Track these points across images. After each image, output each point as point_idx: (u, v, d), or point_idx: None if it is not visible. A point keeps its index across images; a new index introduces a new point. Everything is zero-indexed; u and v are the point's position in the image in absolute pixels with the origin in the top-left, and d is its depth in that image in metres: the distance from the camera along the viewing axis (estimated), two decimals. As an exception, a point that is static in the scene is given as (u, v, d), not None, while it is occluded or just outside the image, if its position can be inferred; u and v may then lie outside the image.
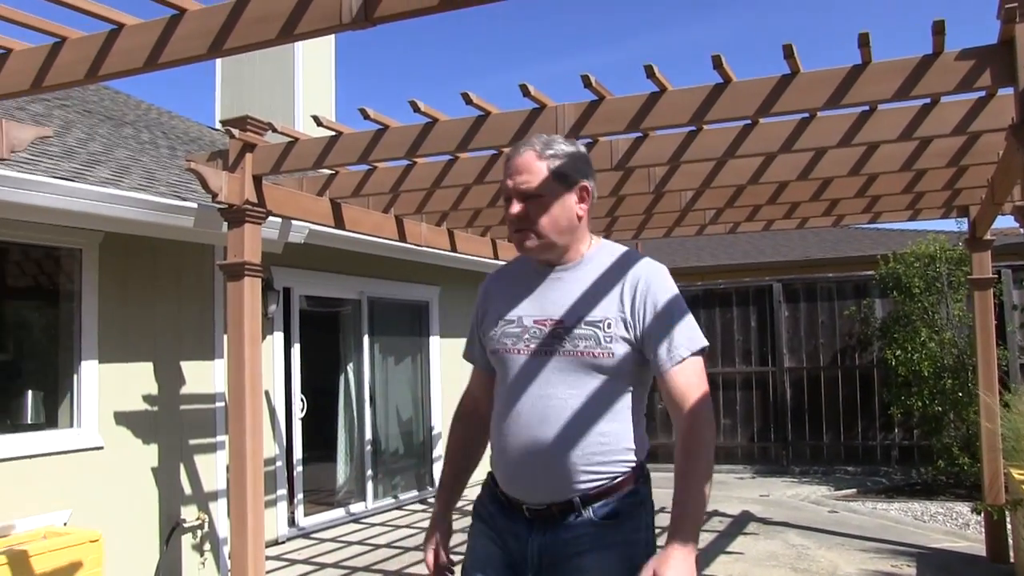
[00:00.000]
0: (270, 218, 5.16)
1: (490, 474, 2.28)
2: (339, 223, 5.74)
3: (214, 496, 6.23)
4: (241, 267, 4.70)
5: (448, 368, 9.60)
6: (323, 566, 6.38)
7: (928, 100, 3.89)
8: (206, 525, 6.12)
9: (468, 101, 4.21)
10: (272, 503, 6.91)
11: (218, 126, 10.53)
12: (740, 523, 7.68)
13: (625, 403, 2.13)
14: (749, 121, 4.22)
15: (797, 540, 6.93)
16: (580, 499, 2.09)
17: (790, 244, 15.57)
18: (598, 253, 2.22)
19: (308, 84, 10.72)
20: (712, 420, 2.06)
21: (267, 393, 6.88)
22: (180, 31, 3.08)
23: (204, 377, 6.24)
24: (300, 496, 7.46)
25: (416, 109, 4.35)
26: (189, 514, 6.01)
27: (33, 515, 4.95)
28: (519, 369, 2.16)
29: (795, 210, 6.61)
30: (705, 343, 2.11)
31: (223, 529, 6.13)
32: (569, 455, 2.08)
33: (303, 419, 7.53)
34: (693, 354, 2.08)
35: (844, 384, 10.75)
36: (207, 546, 6.14)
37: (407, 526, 7.79)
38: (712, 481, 2.04)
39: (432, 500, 9.08)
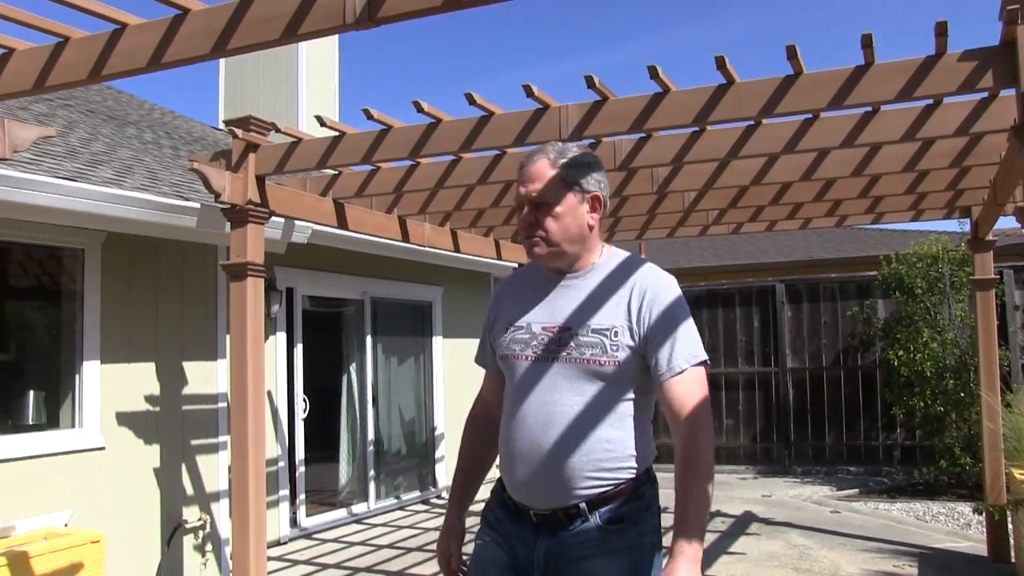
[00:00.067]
0: (273, 218, 5.16)
1: (499, 479, 2.29)
2: (342, 223, 5.74)
3: (216, 496, 6.23)
4: (244, 267, 4.71)
5: (451, 368, 9.60)
6: (325, 567, 6.38)
7: (931, 101, 3.89)
8: (208, 526, 6.12)
9: (472, 102, 4.22)
10: (274, 503, 6.91)
11: (221, 126, 10.54)
12: (742, 523, 7.68)
13: (630, 409, 2.14)
14: (752, 122, 4.22)
15: (799, 540, 6.93)
16: (586, 504, 2.10)
17: (793, 245, 15.56)
18: (609, 262, 2.24)
19: (311, 84, 10.72)
20: (711, 426, 2.08)
21: (269, 393, 6.89)
22: (183, 31, 3.08)
23: (206, 377, 6.25)
24: (302, 496, 7.46)
25: (420, 109, 4.36)
26: (191, 514, 6.02)
27: (34, 516, 4.96)
28: (526, 375, 2.18)
29: (798, 211, 6.61)
30: (705, 357, 2.13)
31: (225, 530, 6.13)
32: (574, 461, 2.09)
33: (305, 419, 7.53)
34: (694, 366, 2.09)
35: (846, 384, 10.75)
36: (209, 547, 6.15)
37: (409, 527, 7.79)
38: (714, 484, 2.04)
39: (435, 500, 9.10)
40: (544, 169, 2.16)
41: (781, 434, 11.00)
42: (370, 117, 4.47)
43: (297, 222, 6.05)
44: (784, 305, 11.11)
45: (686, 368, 2.08)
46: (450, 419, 9.51)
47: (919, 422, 9.70)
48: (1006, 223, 6.54)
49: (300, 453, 7.46)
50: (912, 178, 5.49)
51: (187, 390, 6.08)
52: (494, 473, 2.36)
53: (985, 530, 6.42)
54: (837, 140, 4.16)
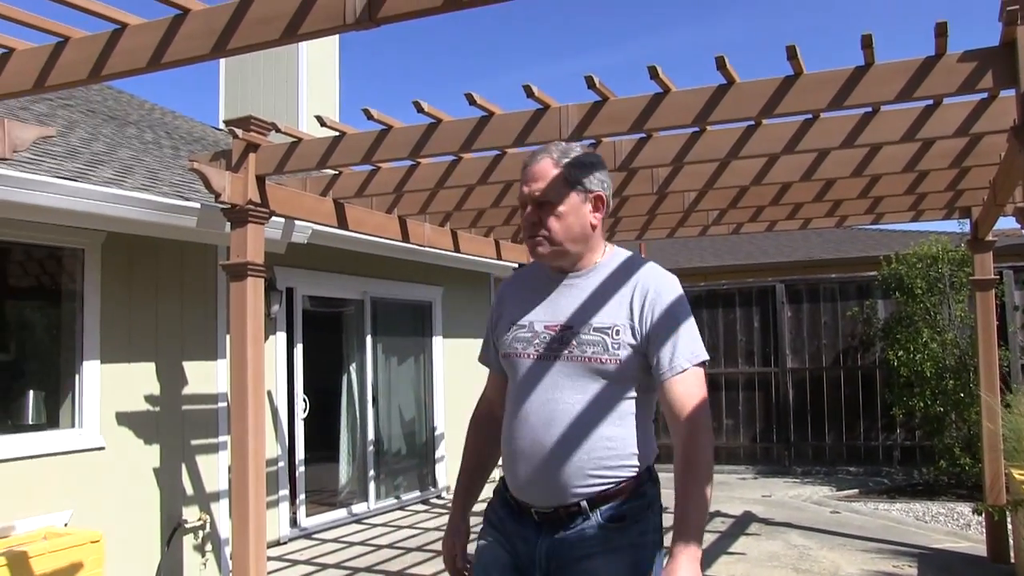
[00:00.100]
0: (273, 218, 5.17)
1: (502, 478, 2.30)
2: (342, 223, 5.74)
3: (216, 496, 6.23)
4: (244, 267, 4.71)
5: (451, 369, 9.60)
6: (325, 567, 6.38)
7: (930, 102, 3.89)
8: (208, 526, 6.12)
9: (472, 102, 4.22)
10: (274, 503, 6.92)
11: (221, 126, 10.54)
12: (742, 523, 7.68)
13: (632, 408, 2.15)
14: (752, 122, 4.22)
15: (799, 540, 6.93)
16: (587, 503, 2.10)
17: (793, 245, 15.56)
18: (611, 261, 2.25)
19: (312, 84, 10.72)
20: (710, 427, 2.09)
21: (269, 393, 6.89)
22: (183, 31, 3.08)
23: (206, 377, 6.25)
24: (302, 496, 7.46)
25: (420, 110, 4.36)
26: (191, 514, 6.02)
27: (34, 516, 4.96)
28: (528, 373, 2.19)
29: (798, 211, 6.61)
30: (706, 357, 2.14)
31: (225, 530, 6.13)
32: (575, 459, 2.10)
33: (305, 419, 7.53)
34: (695, 366, 2.11)
35: (846, 385, 10.75)
36: (208, 547, 6.15)
37: (409, 527, 7.79)
38: (713, 484, 2.06)
39: (434, 500, 9.10)
40: (547, 168, 2.18)
41: (781, 434, 11.00)
42: (370, 117, 4.47)
43: (297, 222, 6.05)
44: (784, 305, 11.12)
45: (687, 368, 2.09)
46: (450, 419, 9.51)
47: (919, 422, 9.70)
48: (1006, 223, 6.54)
49: (300, 453, 7.46)
50: (912, 178, 5.50)
51: (187, 390, 6.08)
52: (499, 472, 2.36)
53: (984, 530, 6.42)
54: (837, 140, 4.17)
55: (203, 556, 6.10)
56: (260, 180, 4.83)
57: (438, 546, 6.77)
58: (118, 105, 9.31)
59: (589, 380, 2.12)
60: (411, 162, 5.08)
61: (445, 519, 8.04)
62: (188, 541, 6.00)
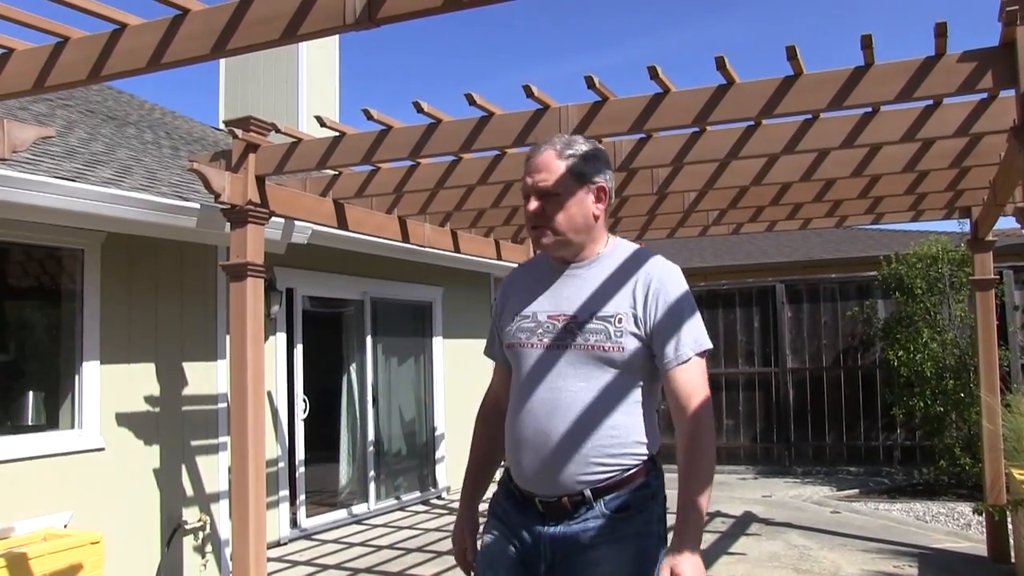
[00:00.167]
0: (273, 219, 5.16)
1: (506, 470, 2.31)
2: (342, 224, 5.74)
3: (216, 497, 6.23)
4: (244, 268, 4.71)
5: (451, 369, 9.60)
6: (325, 567, 6.38)
7: (930, 102, 3.90)
8: (208, 526, 6.12)
9: (472, 102, 4.22)
10: (274, 504, 6.91)
11: (221, 126, 10.54)
12: (742, 524, 7.67)
13: (636, 397, 2.16)
14: (752, 122, 4.22)
15: (799, 541, 6.93)
16: (591, 492, 2.11)
17: (793, 245, 15.56)
18: (614, 251, 2.27)
19: (312, 85, 10.72)
20: (713, 426, 2.12)
21: (269, 394, 6.89)
22: (183, 31, 3.08)
23: (206, 378, 6.25)
24: (302, 497, 7.46)
25: (420, 110, 4.36)
26: (191, 515, 6.02)
27: (33, 517, 4.95)
28: (532, 363, 2.21)
29: (798, 211, 6.61)
30: (710, 345, 2.17)
31: (225, 531, 6.13)
32: (579, 447, 2.11)
33: (305, 420, 7.53)
34: (698, 354, 2.13)
35: (847, 385, 10.76)
36: (209, 548, 6.15)
37: (410, 527, 7.79)
38: (712, 483, 2.09)
39: (435, 501, 9.10)
40: (551, 160, 2.20)
41: (781, 434, 11.00)
42: (370, 117, 4.47)
43: (297, 222, 6.05)
44: (784, 305, 11.12)
45: (691, 356, 2.12)
46: (450, 419, 9.51)
47: (919, 422, 9.70)
48: (1006, 223, 6.54)
49: (300, 454, 7.46)
50: (912, 178, 5.50)
51: (187, 391, 6.08)
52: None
53: (985, 530, 6.42)
54: (837, 140, 4.17)
55: (203, 557, 6.10)
56: (260, 180, 4.83)
57: (439, 547, 6.78)
58: (117, 105, 9.31)
59: (593, 368, 2.13)
60: (411, 162, 5.08)
61: (445, 520, 8.05)
62: (188, 542, 5.99)
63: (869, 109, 3.98)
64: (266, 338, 5.75)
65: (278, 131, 4.86)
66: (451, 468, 9.42)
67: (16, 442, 5.02)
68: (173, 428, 5.95)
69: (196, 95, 57.23)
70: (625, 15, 63.35)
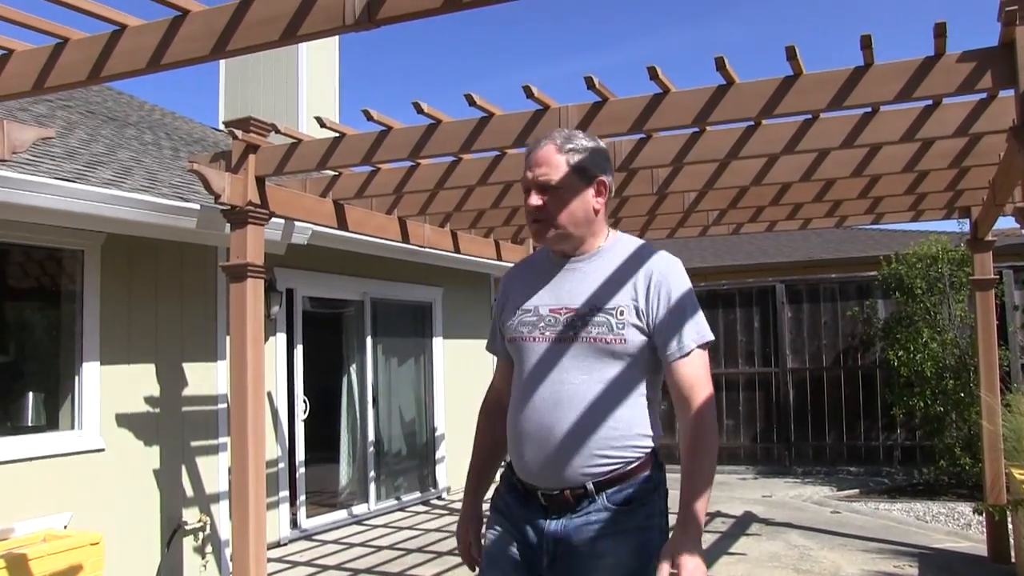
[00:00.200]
0: (273, 219, 5.16)
1: (508, 464, 2.32)
2: (342, 224, 5.74)
3: (216, 498, 6.23)
4: (244, 268, 4.71)
5: (451, 369, 9.60)
6: (325, 568, 6.38)
7: (930, 102, 3.90)
8: (208, 527, 6.12)
9: (472, 103, 4.22)
10: (274, 505, 6.91)
11: (221, 127, 10.54)
12: (742, 524, 7.68)
13: (639, 390, 2.17)
14: (752, 122, 4.22)
15: (799, 541, 6.93)
16: (594, 485, 2.12)
17: (793, 245, 15.55)
18: (614, 245, 2.28)
19: (312, 85, 10.72)
20: (716, 425, 2.13)
21: (269, 394, 6.89)
22: (183, 32, 3.08)
23: (206, 378, 6.25)
24: (302, 498, 7.46)
25: (419, 111, 4.36)
26: (191, 516, 6.02)
27: (33, 518, 4.95)
28: (534, 356, 2.22)
29: (798, 211, 6.61)
30: (712, 336, 2.18)
31: (225, 531, 6.13)
32: (582, 440, 2.12)
33: (306, 420, 7.53)
34: (700, 346, 2.14)
35: (847, 385, 10.76)
36: (209, 548, 6.15)
37: (410, 528, 7.79)
38: (713, 481, 2.09)
39: (435, 501, 9.10)
40: (551, 154, 2.21)
41: (781, 434, 11.00)
42: (370, 118, 4.47)
43: (297, 223, 6.05)
44: (784, 305, 11.12)
45: (694, 348, 2.13)
46: (450, 420, 9.51)
47: (919, 422, 9.70)
48: (1005, 223, 6.55)
49: (300, 454, 7.46)
50: (912, 178, 5.50)
51: (187, 391, 6.08)
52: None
53: (985, 530, 6.42)
54: (837, 141, 4.17)
55: (203, 558, 6.10)
56: (260, 181, 4.83)
57: (439, 547, 6.78)
58: (118, 106, 9.31)
59: (595, 361, 2.14)
60: (411, 163, 5.08)
61: (446, 520, 8.05)
62: (188, 543, 5.99)
63: (869, 109, 3.98)
64: (266, 339, 5.75)
65: (278, 132, 4.86)
66: (451, 468, 9.42)
67: (16, 443, 5.02)
68: (173, 429, 5.95)
69: (196, 96, 57.27)
70: (625, 15, 63.36)
